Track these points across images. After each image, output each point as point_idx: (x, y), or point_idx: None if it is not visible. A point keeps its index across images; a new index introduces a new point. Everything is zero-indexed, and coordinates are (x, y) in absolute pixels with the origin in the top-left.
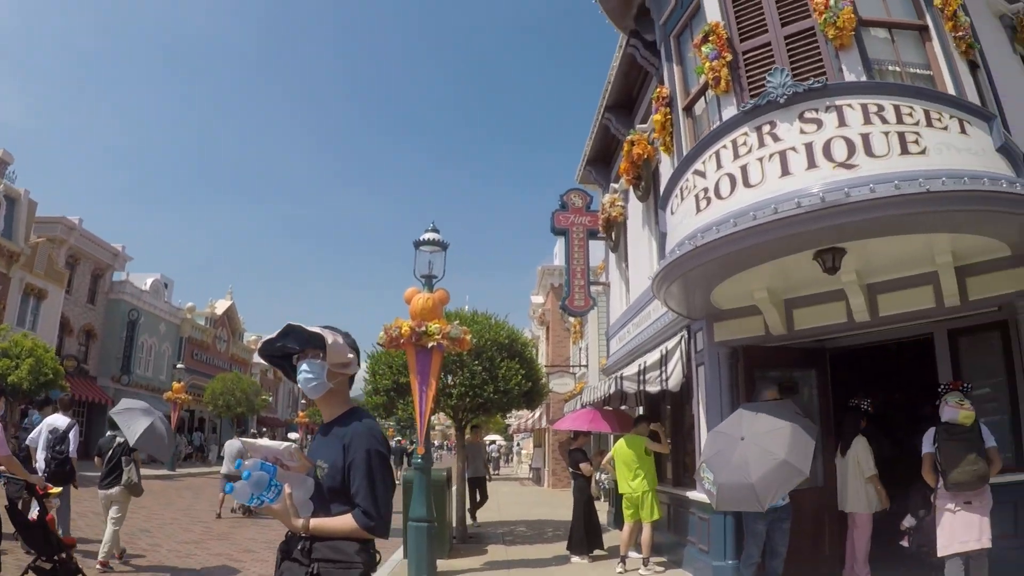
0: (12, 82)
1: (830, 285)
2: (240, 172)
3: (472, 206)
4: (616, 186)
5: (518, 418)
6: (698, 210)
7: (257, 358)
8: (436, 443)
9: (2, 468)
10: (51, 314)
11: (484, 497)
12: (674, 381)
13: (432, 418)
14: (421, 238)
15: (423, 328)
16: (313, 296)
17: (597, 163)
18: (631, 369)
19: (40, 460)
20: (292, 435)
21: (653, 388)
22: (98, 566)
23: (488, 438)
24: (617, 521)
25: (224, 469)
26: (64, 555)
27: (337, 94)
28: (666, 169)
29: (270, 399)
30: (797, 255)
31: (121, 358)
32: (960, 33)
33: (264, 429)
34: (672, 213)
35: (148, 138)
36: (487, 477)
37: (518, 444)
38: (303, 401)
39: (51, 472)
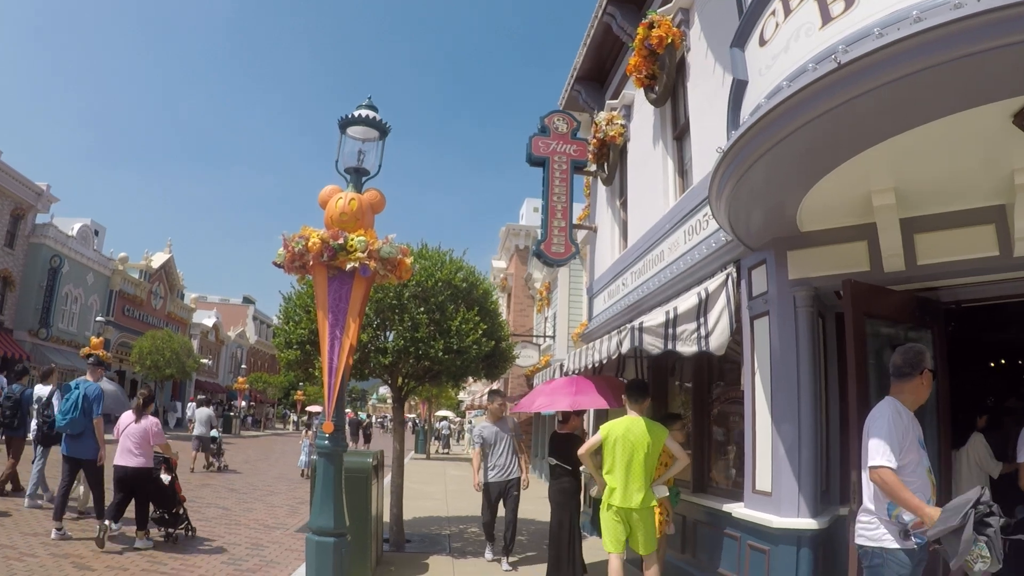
0: None
1: (974, 199)
2: (202, 136)
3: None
4: (614, 102)
5: (472, 394)
6: (827, 18)
7: (198, 318)
8: (379, 418)
9: (158, 449)
10: None
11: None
12: (717, 340)
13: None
14: (352, 114)
15: (340, 240)
16: (260, 263)
17: (588, 82)
18: (654, 318)
19: (33, 426)
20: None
21: (687, 348)
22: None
23: (439, 414)
24: (596, 525)
25: (197, 431)
26: (181, 508)
27: (307, 70)
28: (707, 39)
29: (206, 362)
30: (983, 110)
31: (40, 310)
32: None
33: (202, 395)
34: (762, 44)
35: (114, 98)
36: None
37: (470, 422)
38: (244, 367)
39: (42, 435)
